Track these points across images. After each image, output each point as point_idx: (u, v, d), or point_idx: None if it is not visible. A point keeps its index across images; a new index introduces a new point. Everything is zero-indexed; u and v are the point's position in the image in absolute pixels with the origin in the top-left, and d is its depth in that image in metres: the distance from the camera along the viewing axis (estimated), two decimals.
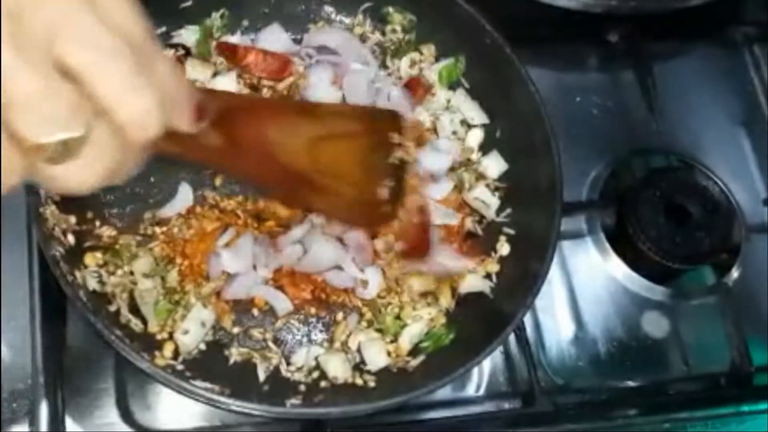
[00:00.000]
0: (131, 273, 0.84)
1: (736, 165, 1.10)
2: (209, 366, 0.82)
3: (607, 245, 1.01)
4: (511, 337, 0.91)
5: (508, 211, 0.93)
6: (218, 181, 0.91)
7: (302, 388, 0.83)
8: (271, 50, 0.95)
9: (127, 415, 0.85)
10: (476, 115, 0.97)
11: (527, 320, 0.94)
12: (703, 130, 1.12)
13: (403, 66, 0.98)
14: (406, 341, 0.87)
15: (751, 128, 1.14)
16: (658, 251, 0.97)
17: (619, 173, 1.06)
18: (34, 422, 0.82)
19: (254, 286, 0.86)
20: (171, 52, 0.92)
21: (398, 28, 0.99)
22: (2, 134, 0.41)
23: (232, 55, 0.94)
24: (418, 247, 0.87)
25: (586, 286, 1.00)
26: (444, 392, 0.91)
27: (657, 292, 1.00)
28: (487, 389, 0.93)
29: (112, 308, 0.81)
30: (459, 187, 0.94)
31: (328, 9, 1.00)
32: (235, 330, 0.86)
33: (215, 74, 0.94)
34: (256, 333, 0.86)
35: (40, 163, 0.42)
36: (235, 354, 0.84)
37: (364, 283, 0.87)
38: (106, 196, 0.87)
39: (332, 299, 0.88)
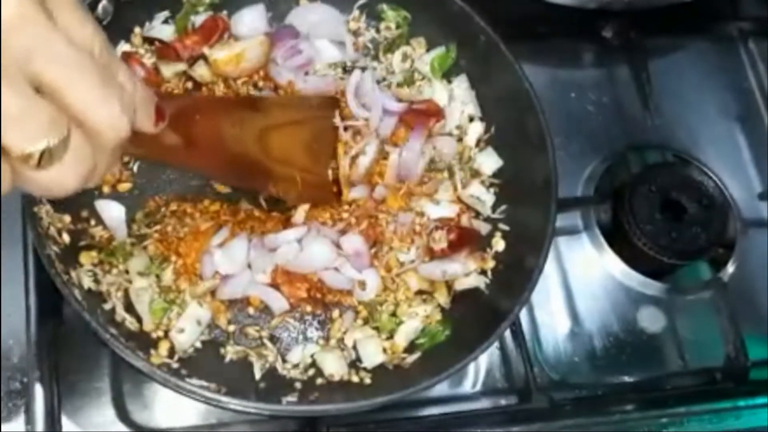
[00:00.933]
0: (126, 272, 0.84)
1: (731, 160, 1.11)
2: (205, 364, 0.82)
3: (603, 241, 1.01)
4: (507, 334, 0.92)
5: (504, 207, 0.93)
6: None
7: (298, 385, 0.83)
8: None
9: (123, 414, 0.86)
10: (474, 108, 0.97)
11: (523, 316, 0.95)
12: (698, 126, 1.12)
13: (396, 60, 0.98)
14: (402, 338, 0.87)
15: (747, 124, 1.14)
16: (654, 246, 0.97)
17: (614, 169, 1.06)
18: (30, 421, 0.82)
19: (249, 285, 0.86)
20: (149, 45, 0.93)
21: (392, 25, 0.99)
22: None
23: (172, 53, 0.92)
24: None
25: (582, 282, 1.00)
26: (440, 389, 0.91)
27: (653, 287, 1.00)
28: (483, 385, 0.93)
29: (108, 307, 0.81)
30: (454, 185, 0.94)
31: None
32: (231, 328, 0.86)
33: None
34: (251, 331, 0.86)
35: (27, 171, 0.47)
36: (230, 352, 0.84)
37: (362, 285, 0.87)
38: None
39: (328, 298, 0.88)
